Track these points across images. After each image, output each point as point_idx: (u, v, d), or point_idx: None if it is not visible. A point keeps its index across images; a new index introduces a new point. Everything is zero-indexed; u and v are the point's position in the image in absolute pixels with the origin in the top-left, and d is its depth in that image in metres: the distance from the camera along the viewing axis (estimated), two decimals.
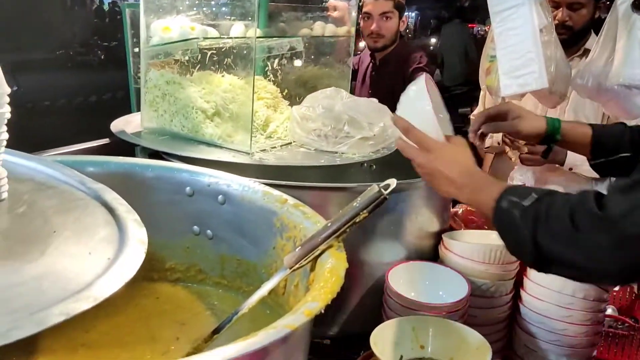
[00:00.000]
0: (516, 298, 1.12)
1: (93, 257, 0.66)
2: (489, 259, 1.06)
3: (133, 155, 1.28)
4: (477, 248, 1.06)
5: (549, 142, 1.10)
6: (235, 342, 0.53)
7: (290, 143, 1.38)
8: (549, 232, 0.70)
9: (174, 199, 0.98)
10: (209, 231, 0.98)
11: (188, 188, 0.97)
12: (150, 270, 1.01)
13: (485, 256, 1.06)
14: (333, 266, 0.70)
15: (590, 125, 1.09)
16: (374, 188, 0.74)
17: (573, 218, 0.69)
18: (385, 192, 0.73)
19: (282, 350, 0.61)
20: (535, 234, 0.71)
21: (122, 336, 0.85)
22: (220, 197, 0.95)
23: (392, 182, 0.74)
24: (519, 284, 1.12)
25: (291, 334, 0.57)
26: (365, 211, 0.73)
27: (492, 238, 1.16)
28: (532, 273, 1.08)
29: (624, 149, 1.03)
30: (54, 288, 0.59)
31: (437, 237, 1.18)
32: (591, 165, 1.09)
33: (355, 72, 2.70)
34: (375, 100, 1.46)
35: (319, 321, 1.12)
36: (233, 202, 0.95)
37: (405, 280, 1.05)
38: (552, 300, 1.03)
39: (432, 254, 1.17)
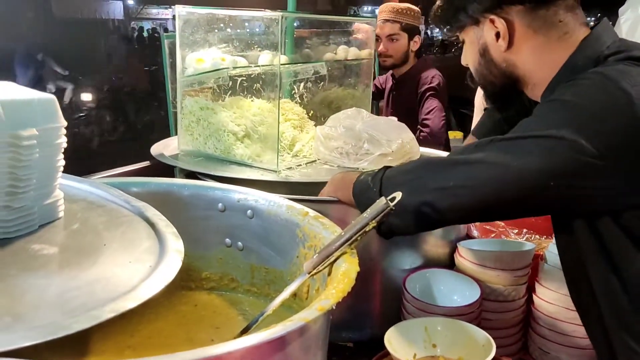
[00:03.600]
0: (529, 302, 1.17)
1: (137, 265, 0.76)
2: (501, 264, 1.13)
3: (172, 175, 1.40)
4: (489, 255, 1.13)
5: None
6: (257, 332, 0.62)
7: (315, 161, 1.47)
8: (390, 184, 0.94)
9: (207, 214, 1.08)
10: (239, 243, 1.08)
11: (220, 204, 1.07)
12: (188, 280, 1.11)
13: (497, 262, 1.13)
14: (346, 270, 0.78)
15: None
16: (381, 200, 0.82)
17: (407, 167, 0.95)
18: (392, 204, 0.81)
19: (300, 342, 0.70)
20: (381, 188, 0.96)
21: (163, 339, 0.94)
22: (249, 211, 1.05)
23: (398, 195, 0.82)
24: (531, 288, 1.17)
25: (307, 327, 0.65)
26: (374, 221, 0.81)
27: (505, 245, 1.22)
28: (542, 277, 1.14)
29: None
30: (104, 291, 0.69)
31: (453, 246, 1.25)
32: None
33: (383, 92, 2.80)
34: (394, 118, 1.54)
35: (343, 326, 1.21)
36: (260, 216, 1.04)
37: (422, 286, 1.12)
38: (560, 303, 1.08)
39: (449, 262, 1.24)
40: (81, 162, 1.19)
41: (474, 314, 1.05)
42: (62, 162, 0.85)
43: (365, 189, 1.00)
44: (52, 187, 0.84)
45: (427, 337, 0.94)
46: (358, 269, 0.79)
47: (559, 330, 1.09)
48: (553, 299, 1.09)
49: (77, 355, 0.90)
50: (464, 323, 0.95)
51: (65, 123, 0.82)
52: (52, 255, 0.77)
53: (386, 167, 1.01)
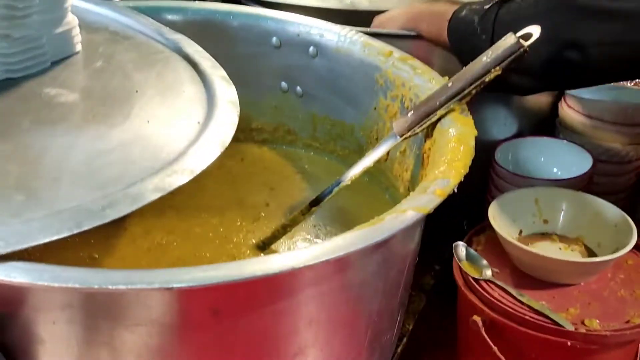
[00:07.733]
0: None
1: (182, 120, 0.58)
2: (623, 118, 0.91)
3: None
4: (609, 105, 0.90)
5: None
6: (355, 229, 0.44)
7: None
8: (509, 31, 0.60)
9: (258, 51, 0.87)
10: (298, 88, 0.88)
11: (275, 38, 0.85)
12: (236, 130, 0.94)
13: (619, 115, 0.91)
14: (460, 134, 0.58)
15: None
16: (510, 38, 0.59)
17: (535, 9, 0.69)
18: (526, 44, 0.58)
19: (402, 238, 0.53)
20: (493, 35, 0.71)
21: (209, 199, 0.79)
22: (311, 48, 0.83)
23: (535, 30, 0.59)
24: None
25: (420, 219, 0.48)
26: (498, 67, 0.59)
27: (623, 95, 1.00)
28: None
29: None
30: (144, 157, 0.52)
31: (554, 106, 1.01)
32: None
33: None
34: None
35: None
36: (326, 54, 0.82)
37: (515, 159, 0.91)
38: None
39: (549, 117, 1.03)
40: None
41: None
42: None
43: (470, 34, 0.74)
44: (63, 11, 0.63)
45: (537, 212, 0.77)
46: (476, 132, 0.59)
47: None
48: None
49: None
50: (590, 196, 0.75)
51: None
52: (73, 104, 0.59)
53: (499, 3, 0.74)
